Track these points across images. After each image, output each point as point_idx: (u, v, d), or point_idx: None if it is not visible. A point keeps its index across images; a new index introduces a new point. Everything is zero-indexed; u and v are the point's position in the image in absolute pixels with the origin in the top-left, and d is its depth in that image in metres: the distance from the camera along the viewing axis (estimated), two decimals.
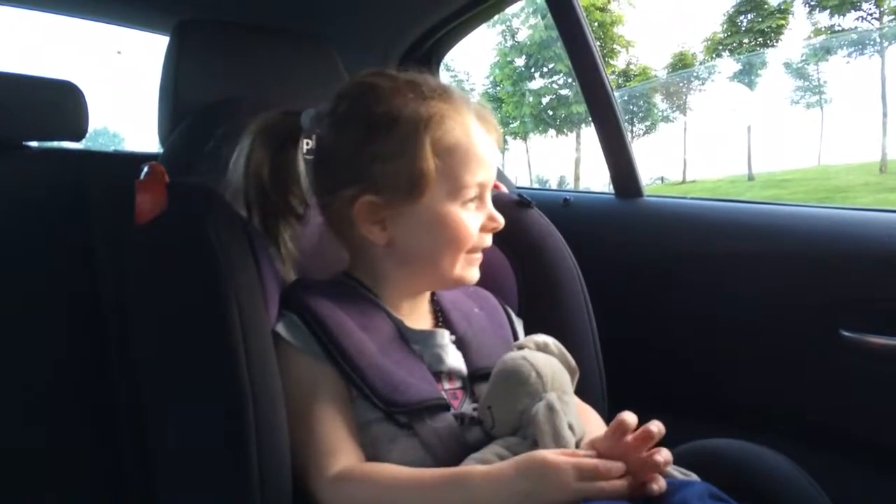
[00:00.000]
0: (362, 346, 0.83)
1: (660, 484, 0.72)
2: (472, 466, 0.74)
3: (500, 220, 0.91)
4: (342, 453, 0.78)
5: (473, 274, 0.91)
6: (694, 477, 0.78)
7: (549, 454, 0.71)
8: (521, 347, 0.86)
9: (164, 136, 1.16)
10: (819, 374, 1.23)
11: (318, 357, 0.82)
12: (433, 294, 0.99)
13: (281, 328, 0.83)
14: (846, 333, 1.18)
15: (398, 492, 0.74)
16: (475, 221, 0.88)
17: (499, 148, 0.92)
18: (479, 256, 0.92)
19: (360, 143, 0.85)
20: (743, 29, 16.01)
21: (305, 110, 0.92)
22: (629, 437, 0.72)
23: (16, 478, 1.04)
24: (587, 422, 0.87)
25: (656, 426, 0.71)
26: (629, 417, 0.72)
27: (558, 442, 0.74)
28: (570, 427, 0.77)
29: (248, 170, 0.90)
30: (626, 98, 16.08)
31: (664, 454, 0.72)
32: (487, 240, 0.92)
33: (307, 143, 0.92)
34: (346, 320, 0.85)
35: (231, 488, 0.74)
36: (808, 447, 1.08)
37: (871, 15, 14.40)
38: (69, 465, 1.06)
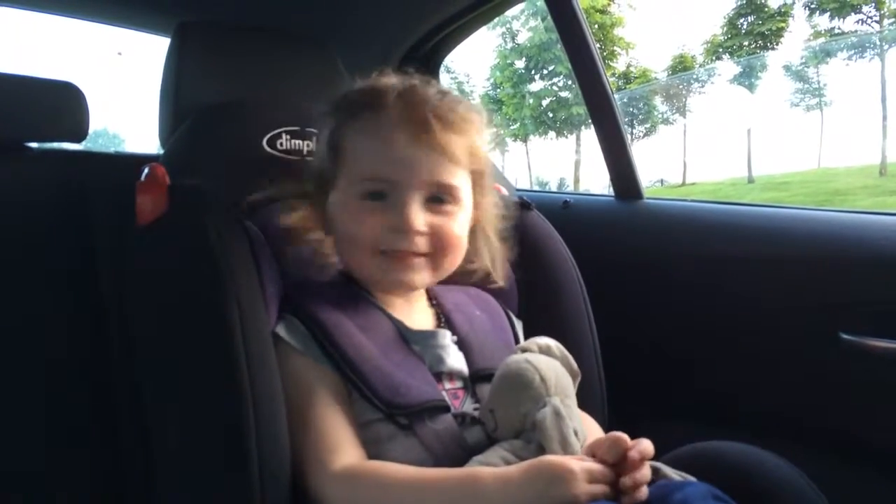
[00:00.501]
0: (362, 347, 0.83)
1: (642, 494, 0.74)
2: (481, 468, 0.74)
3: (410, 222, 0.84)
4: (345, 450, 0.77)
5: (402, 277, 0.87)
6: (691, 479, 0.78)
7: (559, 458, 0.72)
8: (524, 350, 0.86)
9: (165, 137, 1.16)
10: (818, 377, 1.23)
11: (318, 358, 0.82)
12: (433, 296, 0.99)
13: (281, 329, 0.83)
14: (846, 336, 1.18)
15: (404, 490, 0.74)
16: (379, 220, 0.85)
17: (449, 152, 0.87)
18: (411, 259, 0.87)
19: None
20: (743, 31, 16.01)
21: None
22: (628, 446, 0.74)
23: (16, 477, 1.04)
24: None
25: (639, 453, 0.74)
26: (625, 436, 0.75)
27: (566, 448, 0.75)
28: (575, 432, 0.77)
29: None
30: (625, 100, 16.07)
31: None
32: (400, 242, 0.86)
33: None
34: (346, 321, 0.85)
35: (231, 488, 0.74)
36: (807, 449, 1.08)
37: (871, 18, 14.41)
38: (69, 465, 1.06)
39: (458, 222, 0.90)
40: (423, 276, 0.89)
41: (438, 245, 0.88)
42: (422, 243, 0.86)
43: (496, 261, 1.00)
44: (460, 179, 0.89)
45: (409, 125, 0.85)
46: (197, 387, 0.76)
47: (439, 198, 0.88)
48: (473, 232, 0.96)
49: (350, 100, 0.91)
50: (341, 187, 0.89)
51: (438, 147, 0.86)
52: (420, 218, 0.85)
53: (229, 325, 0.75)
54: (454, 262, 0.92)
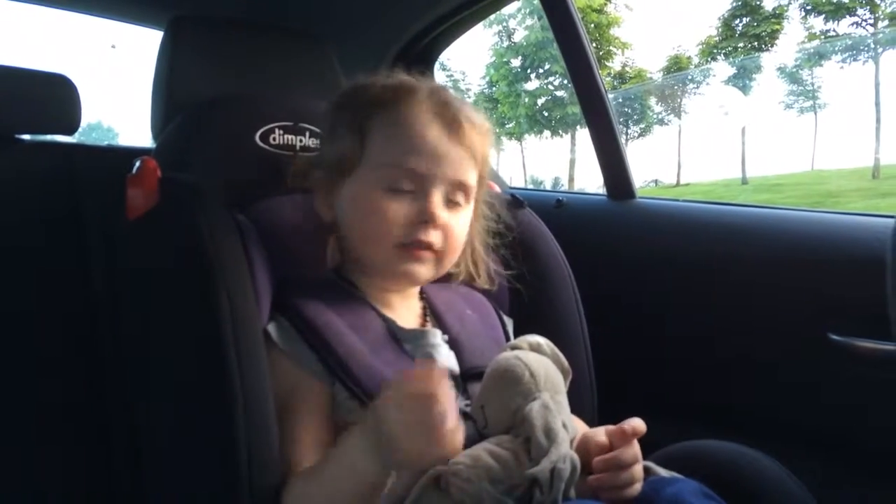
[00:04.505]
0: (352, 347, 0.83)
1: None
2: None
3: (435, 214, 0.86)
4: (309, 461, 0.77)
5: (412, 269, 0.88)
6: (681, 478, 0.79)
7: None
8: (514, 348, 0.86)
9: (157, 131, 1.15)
10: (807, 377, 1.24)
11: (304, 362, 0.82)
12: (424, 295, 0.99)
13: (271, 328, 0.83)
14: (834, 337, 1.18)
15: (313, 491, 0.74)
16: (401, 210, 0.86)
17: (472, 154, 0.90)
18: (423, 252, 0.88)
19: (324, 132, 0.98)
20: (738, 33, 16.07)
21: None
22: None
23: (6, 475, 1.03)
24: None
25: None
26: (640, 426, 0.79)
27: (550, 436, 0.74)
28: (564, 425, 0.77)
29: None
30: (620, 100, 16.10)
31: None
32: (420, 233, 0.86)
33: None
34: (336, 320, 0.85)
35: (219, 486, 0.74)
36: (795, 449, 1.09)
37: (865, 21, 14.48)
38: (60, 463, 1.06)
39: (464, 223, 0.93)
40: (429, 270, 0.90)
41: (448, 243, 0.89)
42: (437, 238, 0.88)
43: (479, 266, 1.02)
44: (475, 181, 0.92)
45: (441, 121, 0.88)
46: (186, 383, 0.76)
47: (453, 197, 0.90)
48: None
49: (375, 92, 0.91)
50: (362, 176, 0.88)
51: (466, 146, 0.89)
52: (444, 212, 0.87)
53: (220, 320, 0.74)
54: (453, 261, 0.94)
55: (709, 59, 16.49)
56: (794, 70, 15.47)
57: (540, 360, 0.83)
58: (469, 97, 17.11)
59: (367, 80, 0.93)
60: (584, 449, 0.82)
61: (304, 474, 0.75)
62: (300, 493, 0.74)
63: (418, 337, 0.90)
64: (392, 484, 0.72)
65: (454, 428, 0.67)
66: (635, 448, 0.80)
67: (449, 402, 0.66)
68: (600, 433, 0.82)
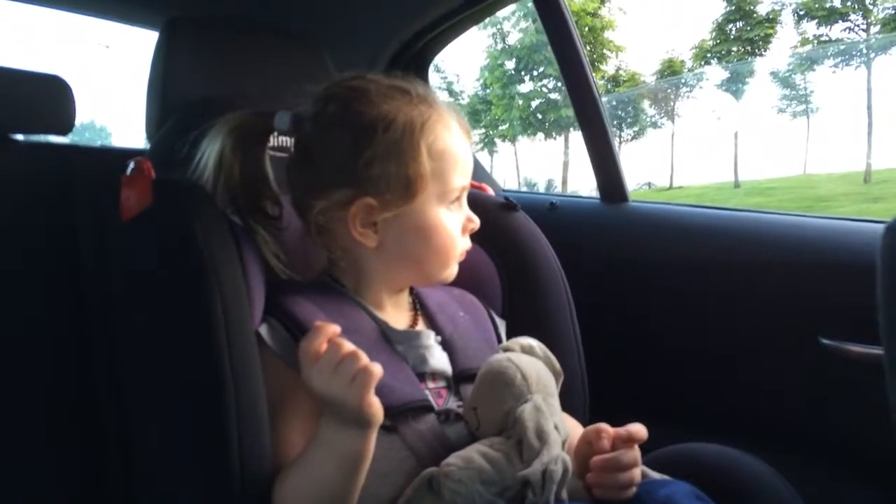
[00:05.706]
0: None
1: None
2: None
3: (477, 221, 0.94)
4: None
5: (455, 272, 0.94)
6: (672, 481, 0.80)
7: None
8: (506, 350, 0.86)
9: (152, 132, 1.15)
10: (797, 381, 1.25)
11: (295, 363, 0.80)
12: (416, 294, 0.99)
13: (263, 330, 0.82)
14: (825, 341, 1.19)
15: (300, 480, 0.75)
16: (457, 223, 0.91)
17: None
18: (461, 256, 0.94)
19: (354, 145, 0.84)
20: (731, 37, 16.13)
21: (279, 111, 0.91)
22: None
23: None
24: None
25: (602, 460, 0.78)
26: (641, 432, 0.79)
27: (542, 438, 0.75)
28: (556, 427, 0.77)
29: (219, 171, 0.88)
30: (614, 103, 16.15)
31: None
32: (468, 241, 0.94)
33: (274, 144, 0.96)
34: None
35: (211, 487, 0.74)
36: (785, 452, 1.09)
37: (858, 26, 14.56)
38: (50, 465, 1.06)
39: None
40: None
41: None
42: None
43: None
44: None
45: (464, 132, 0.92)
46: (178, 384, 0.75)
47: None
48: None
49: (421, 93, 0.89)
50: (427, 196, 0.87)
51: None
52: None
53: (213, 321, 0.74)
54: None
55: (702, 63, 16.56)
56: (787, 74, 15.53)
57: (532, 363, 0.84)
58: (463, 99, 17.14)
59: (392, 98, 0.87)
60: (586, 442, 0.82)
61: (290, 465, 0.76)
62: (288, 484, 0.75)
63: (411, 338, 0.90)
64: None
65: (367, 363, 0.72)
66: (635, 452, 0.80)
67: (346, 345, 0.73)
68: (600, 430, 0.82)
